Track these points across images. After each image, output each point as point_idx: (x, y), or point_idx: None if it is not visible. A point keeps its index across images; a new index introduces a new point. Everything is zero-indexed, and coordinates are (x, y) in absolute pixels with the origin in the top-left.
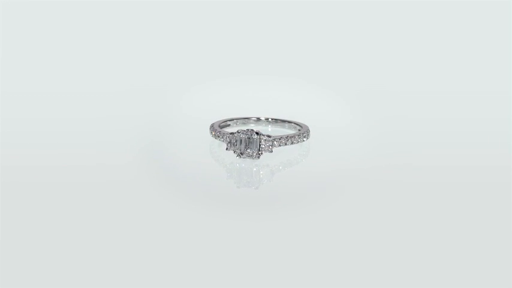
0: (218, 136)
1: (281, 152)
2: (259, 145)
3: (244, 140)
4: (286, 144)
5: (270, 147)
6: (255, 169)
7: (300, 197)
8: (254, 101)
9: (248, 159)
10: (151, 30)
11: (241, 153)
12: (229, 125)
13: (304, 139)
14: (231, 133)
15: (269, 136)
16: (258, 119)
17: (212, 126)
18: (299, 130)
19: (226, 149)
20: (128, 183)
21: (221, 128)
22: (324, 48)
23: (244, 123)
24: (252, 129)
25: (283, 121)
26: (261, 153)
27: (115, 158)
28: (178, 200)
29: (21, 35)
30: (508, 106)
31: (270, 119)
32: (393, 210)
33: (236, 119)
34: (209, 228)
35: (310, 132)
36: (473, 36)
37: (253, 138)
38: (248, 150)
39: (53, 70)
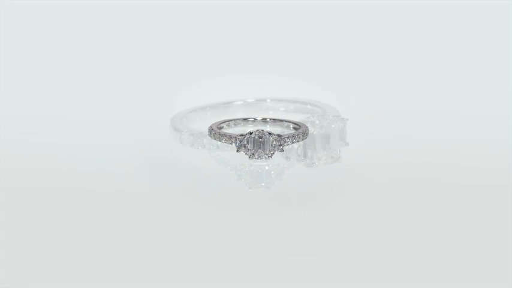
0: (223, 138)
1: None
2: (272, 145)
3: (256, 141)
4: (293, 142)
5: (281, 146)
6: (267, 167)
7: (311, 194)
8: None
9: (259, 160)
10: (147, 31)
11: (253, 154)
12: (226, 127)
13: (307, 136)
14: (240, 135)
15: (279, 135)
16: (255, 119)
17: (211, 128)
18: (295, 129)
19: (237, 150)
20: (130, 185)
21: (219, 129)
22: (319, 48)
23: (236, 124)
24: (263, 130)
25: (281, 120)
26: (273, 153)
27: (115, 158)
28: (188, 204)
29: (20, 36)
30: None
31: (268, 119)
32: (393, 209)
33: (234, 120)
34: (226, 230)
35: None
36: (474, 33)
37: (266, 138)
38: (260, 151)
39: (53, 70)
